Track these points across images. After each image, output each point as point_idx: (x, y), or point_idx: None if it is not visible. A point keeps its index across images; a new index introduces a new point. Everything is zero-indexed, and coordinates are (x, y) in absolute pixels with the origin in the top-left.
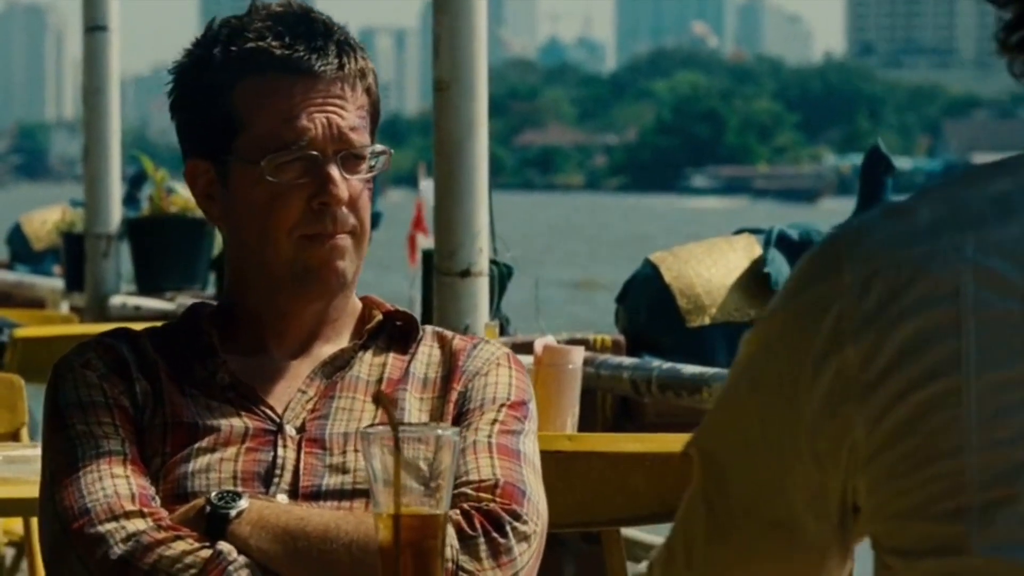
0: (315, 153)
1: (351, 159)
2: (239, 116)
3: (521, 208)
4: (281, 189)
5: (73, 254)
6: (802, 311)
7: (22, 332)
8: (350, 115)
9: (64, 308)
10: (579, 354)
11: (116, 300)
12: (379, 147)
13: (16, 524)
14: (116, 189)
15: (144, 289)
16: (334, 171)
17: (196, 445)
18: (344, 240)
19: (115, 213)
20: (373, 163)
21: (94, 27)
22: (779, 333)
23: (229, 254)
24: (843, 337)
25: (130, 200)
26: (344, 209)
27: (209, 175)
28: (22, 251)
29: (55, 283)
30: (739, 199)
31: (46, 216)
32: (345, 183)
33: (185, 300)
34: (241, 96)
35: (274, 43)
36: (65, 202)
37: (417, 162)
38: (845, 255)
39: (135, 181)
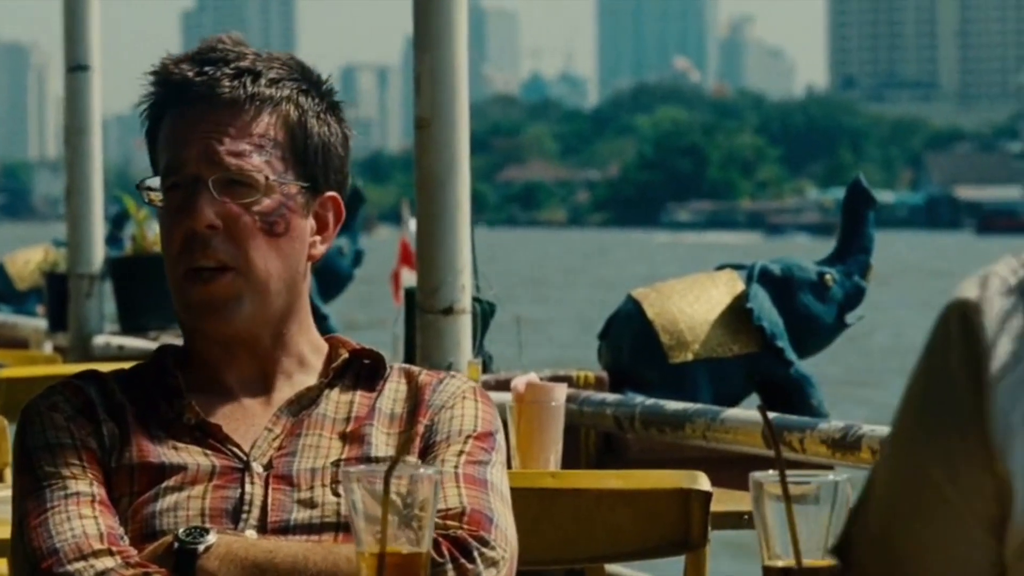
0: (190, 177)
1: (231, 184)
2: (159, 151)
3: (504, 244)
4: (166, 217)
5: (56, 294)
6: None
7: (5, 372)
8: (237, 141)
9: (48, 348)
10: (562, 391)
11: (100, 340)
12: (286, 177)
13: (1, 565)
14: (99, 229)
15: (127, 328)
16: (203, 196)
17: (163, 484)
18: (224, 280)
19: (98, 253)
20: (281, 195)
21: (76, 67)
22: None
23: None
24: None
25: (113, 240)
26: (217, 239)
27: None
28: (5, 291)
29: (38, 323)
30: (754, 235)
31: (29, 256)
32: (217, 207)
33: (168, 339)
34: (161, 132)
35: (176, 75)
36: (48, 242)
37: (400, 198)
38: None
39: (117, 221)
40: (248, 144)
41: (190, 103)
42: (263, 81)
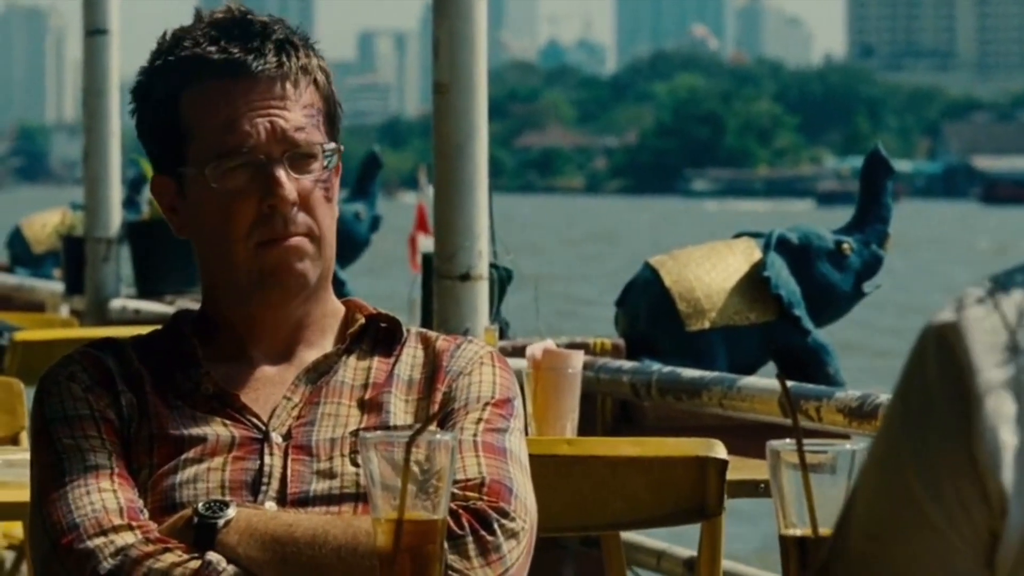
0: (261, 157)
1: (299, 158)
2: (187, 127)
3: (521, 211)
4: (230, 197)
5: (73, 257)
6: None
7: (22, 335)
8: (294, 114)
9: (64, 311)
10: (579, 358)
11: (116, 303)
12: (330, 145)
13: (16, 528)
14: (116, 192)
15: (144, 292)
16: (280, 173)
17: (183, 456)
18: (299, 241)
19: (115, 216)
20: (327, 162)
21: (95, 31)
22: None
23: (199, 265)
24: None
25: (130, 203)
26: (295, 210)
27: (171, 190)
28: (22, 254)
29: (55, 286)
30: (806, 202)
31: (46, 219)
32: (293, 183)
33: (185, 303)
34: (186, 107)
35: (210, 48)
36: (65, 205)
37: (418, 164)
38: None
39: (135, 184)
40: (304, 117)
41: (237, 78)
42: (301, 52)
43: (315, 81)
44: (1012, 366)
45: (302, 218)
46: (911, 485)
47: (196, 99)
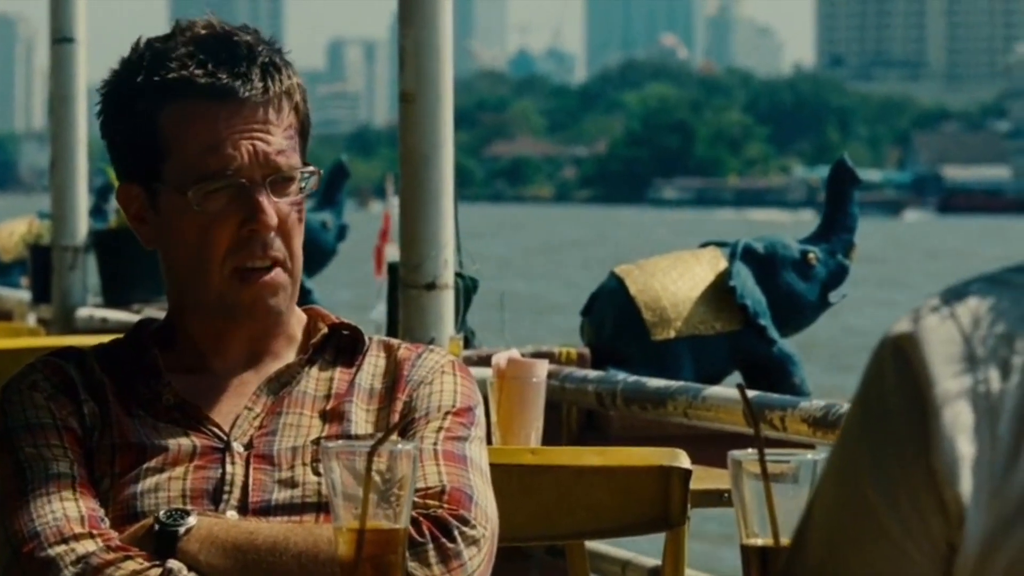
0: (243, 181)
1: (280, 182)
2: (165, 143)
3: (490, 220)
4: (210, 218)
5: (40, 266)
6: None
7: None
8: (277, 138)
9: (31, 320)
10: (543, 367)
11: (83, 312)
12: (309, 168)
13: None
14: (83, 201)
15: (111, 301)
16: (262, 198)
17: (144, 465)
18: (276, 275)
19: (82, 225)
20: (303, 184)
21: (61, 38)
22: None
23: (165, 276)
24: None
25: (97, 212)
26: (273, 235)
27: (140, 199)
28: None
29: (22, 295)
30: (808, 212)
31: (13, 228)
32: (273, 207)
33: (152, 312)
34: (167, 123)
35: (197, 71)
36: (33, 214)
37: (385, 173)
38: None
39: (102, 193)
40: (284, 140)
41: (222, 102)
42: (283, 74)
43: (295, 104)
44: (969, 376)
45: (278, 244)
46: (868, 495)
47: (177, 118)
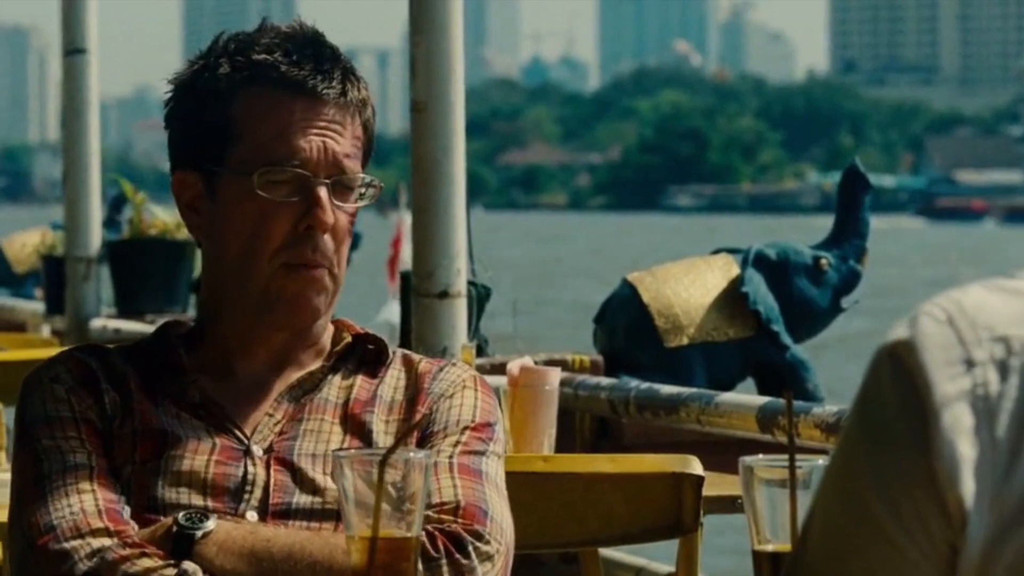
0: (307, 174)
1: (341, 187)
2: (237, 126)
3: (505, 227)
4: (269, 206)
5: (53, 277)
6: None
7: (2, 356)
8: (346, 142)
9: (45, 331)
10: (556, 375)
11: (96, 323)
12: (371, 178)
13: None
14: (96, 212)
15: (124, 312)
16: (323, 194)
17: (166, 455)
18: (321, 274)
19: (95, 236)
20: (362, 194)
21: (73, 50)
22: None
23: (206, 271)
24: None
25: (110, 223)
26: (327, 237)
27: (197, 187)
28: (3, 274)
29: (36, 306)
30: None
31: (26, 239)
32: (332, 210)
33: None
34: (241, 106)
35: (281, 59)
36: (46, 225)
37: (398, 182)
38: None
39: (115, 204)
40: (352, 146)
41: (301, 94)
42: (361, 85)
43: (366, 118)
44: (967, 379)
45: (329, 248)
46: (868, 500)
47: (253, 103)
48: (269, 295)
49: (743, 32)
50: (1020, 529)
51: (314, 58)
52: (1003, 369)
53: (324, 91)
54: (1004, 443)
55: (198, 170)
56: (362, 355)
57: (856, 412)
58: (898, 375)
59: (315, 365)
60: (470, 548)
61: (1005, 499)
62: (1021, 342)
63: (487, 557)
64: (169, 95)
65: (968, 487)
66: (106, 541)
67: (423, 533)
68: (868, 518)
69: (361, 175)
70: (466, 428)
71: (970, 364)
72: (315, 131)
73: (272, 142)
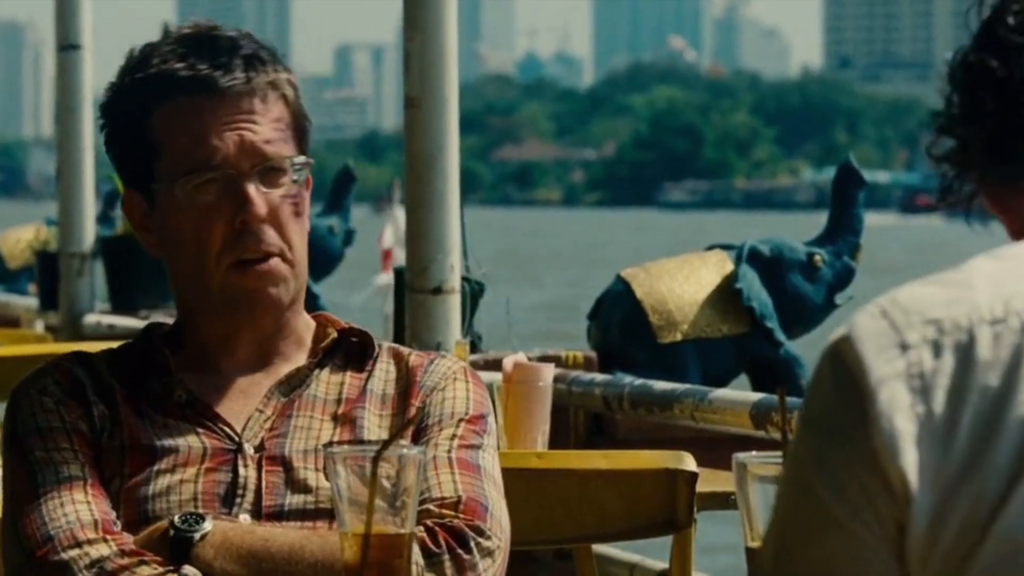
0: (231, 172)
1: (269, 172)
2: (156, 142)
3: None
4: (201, 211)
5: (47, 273)
6: None
7: None
8: (264, 128)
9: (39, 327)
10: (549, 371)
11: (90, 319)
12: (300, 158)
13: None
14: (90, 208)
15: (118, 308)
16: (250, 188)
17: (155, 467)
18: (274, 264)
19: (89, 232)
20: (296, 175)
21: (67, 45)
22: None
23: (171, 283)
24: None
25: (104, 219)
26: (266, 226)
27: (142, 206)
28: None
29: (29, 302)
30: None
31: (20, 235)
32: (263, 198)
33: (159, 318)
34: (156, 122)
35: (178, 65)
36: (40, 220)
37: (393, 178)
38: None
39: (109, 200)
40: (273, 130)
41: (205, 94)
42: (269, 67)
43: (284, 96)
44: (902, 360)
45: (272, 235)
46: (814, 485)
47: (165, 115)
48: (228, 296)
49: (738, 28)
50: (961, 500)
51: (210, 54)
52: (936, 348)
53: (227, 84)
54: (941, 417)
55: (138, 190)
56: (348, 349)
57: (802, 407)
58: (837, 367)
59: (301, 360)
60: (472, 543)
61: (945, 471)
62: (952, 322)
63: (488, 552)
64: (100, 120)
65: (909, 460)
66: (104, 550)
67: (417, 529)
68: (816, 505)
69: (289, 156)
70: (461, 420)
71: (904, 347)
72: (228, 127)
73: (189, 149)
